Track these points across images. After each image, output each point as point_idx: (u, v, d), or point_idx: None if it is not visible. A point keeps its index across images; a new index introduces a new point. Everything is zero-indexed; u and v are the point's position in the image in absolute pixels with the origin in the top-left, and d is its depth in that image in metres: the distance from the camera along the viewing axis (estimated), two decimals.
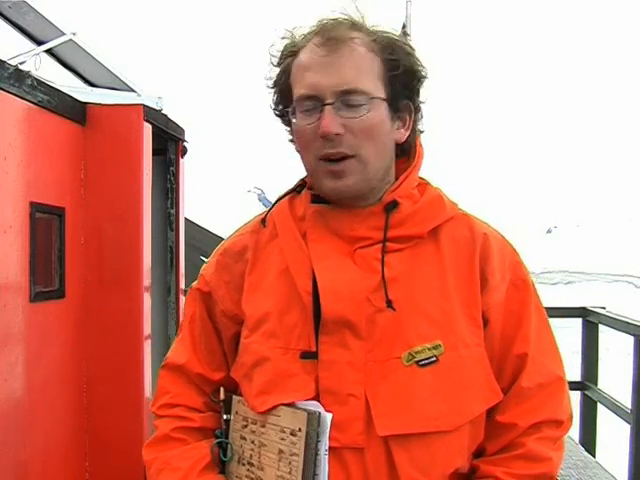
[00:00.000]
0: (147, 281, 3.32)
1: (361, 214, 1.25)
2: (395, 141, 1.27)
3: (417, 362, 1.20)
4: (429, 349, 1.20)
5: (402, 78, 1.24)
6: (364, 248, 1.24)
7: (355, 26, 1.23)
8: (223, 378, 1.35)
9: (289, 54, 1.26)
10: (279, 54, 1.28)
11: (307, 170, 1.29)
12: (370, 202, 1.26)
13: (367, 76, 1.21)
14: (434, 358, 1.20)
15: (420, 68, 1.27)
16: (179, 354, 1.39)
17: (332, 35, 1.21)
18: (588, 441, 5.59)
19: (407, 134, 1.29)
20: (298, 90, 1.23)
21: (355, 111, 1.20)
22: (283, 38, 1.28)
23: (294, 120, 1.25)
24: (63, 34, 5.07)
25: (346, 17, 1.24)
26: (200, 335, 1.38)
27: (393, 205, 1.25)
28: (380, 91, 1.22)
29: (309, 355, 1.21)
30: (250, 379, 1.27)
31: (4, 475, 2.52)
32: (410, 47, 1.27)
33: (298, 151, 1.30)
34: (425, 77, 1.28)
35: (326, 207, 1.27)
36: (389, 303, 1.20)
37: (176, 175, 3.94)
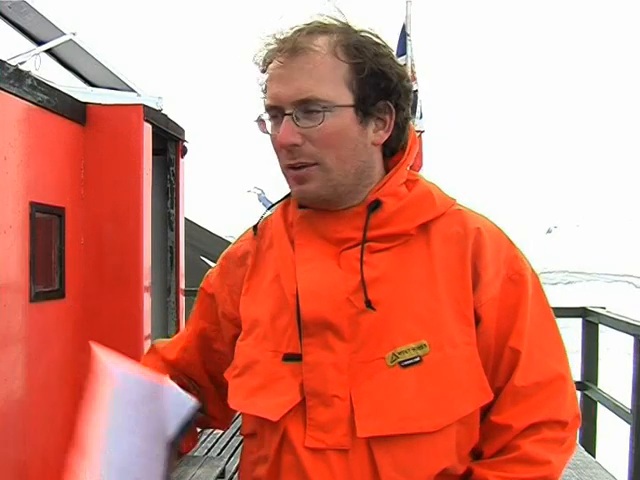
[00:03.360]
0: (147, 281, 3.32)
1: (345, 216, 1.25)
2: (373, 143, 1.25)
3: (400, 363, 1.18)
4: (413, 349, 1.18)
5: (370, 80, 1.21)
6: (348, 250, 1.23)
7: (320, 31, 1.22)
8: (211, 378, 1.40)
9: (269, 61, 1.25)
10: (262, 60, 1.27)
11: None
12: (355, 203, 1.25)
13: (326, 83, 1.20)
14: (418, 358, 1.18)
15: (389, 69, 1.23)
16: (170, 350, 1.45)
17: (289, 45, 1.20)
18: (588, 441, 5.59)
19: (388, 134, 1.26)
20: (266, 99, 1.24)
21: (313, 120, 1.19)
22: (267, 45, 1.27)
23: (267, 128, 1.26)
24: (63, 34, 5.07)
25: (314, 22, 1.23)
26: (198, 335, 1.41)
27: (376, 204, 1.24)
28: (344, 97, 1.20)
29: (292, 357, 1.21)
30: (241, 381, 1.27)
31: (4, 475, 2.52)
32: (383, 47, 1.24)
33: None
34: (401, 75, 1.26)
35: (312, 211, 1.27)
36: (368, 303, 1.19)
37: (176, 175, 3.95)
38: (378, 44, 1.24)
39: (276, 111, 1.22)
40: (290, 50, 1.20)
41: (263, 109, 1.27)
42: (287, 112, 1.20)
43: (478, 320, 1.23)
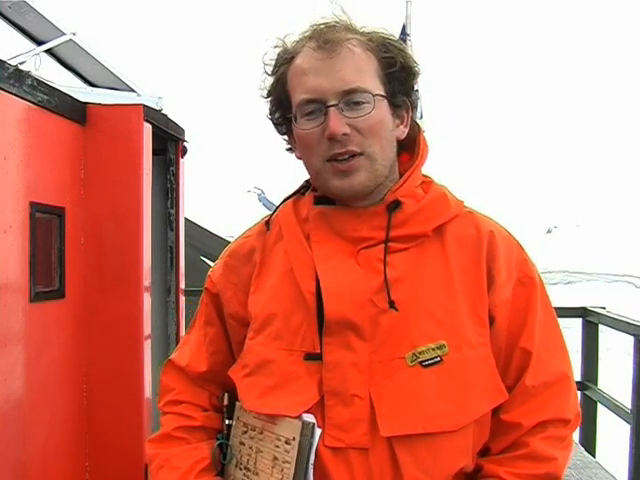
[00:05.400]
0: (147, 281, 3.32)
1: (364, 214, 1.25)
2: (396, 138, 1.28)
3: (421, 362, 1.20)
4: (433, 349, 1.20)
5: (399, 75, 1.25)
6: (367, 249, 1.24)
7: (348, 28, 1.24)
8: (226, 379, 1.35)
9: (283, 61, 1.26)
10: (272, 63, 1.28)
11: (311, 173, 1.29)
12: (374, 201, 1.26)
13: (367, 75, 1.22)
14: (438, 358, 1.20)
15: (414, 64, 1.28)
16: (183, 355, 1.42)
17: (328, 37, 1.21)
18: (588, 441, 5.59)
19: (406, 130, 1.30)
20: (299, 95, 1.22)
21: (359, 110, 1.20)
22: (275, 47, 1.28)
23: (297, 125, 1.24)
24: (63, 34, 5.08)
25: (338, 20, 1.25)
26: (205, 336, 1.39)
27: (396, 205, 1.25)
28: (380, 89, 1.23)
29: (313, 357, 1.22)
30: (254, 380, 1.27)
31: (4, 475, 2.52)
32: (402, 44, 1.28)
33: (299, 157, 1.30)
34: (419, 73, 1.29)
35: (329, 208, 1.27)
36: (392, 304, 1.20)
37: (176, 175, 3.94)
38: (397, 41, 1.28)
39: (316, 104, 1.21)
40: (329, 43, 1.20)
41: (276, 106, 1.28)
42: (331, 104, 1.20)
43: (492, 321, 1.26)
